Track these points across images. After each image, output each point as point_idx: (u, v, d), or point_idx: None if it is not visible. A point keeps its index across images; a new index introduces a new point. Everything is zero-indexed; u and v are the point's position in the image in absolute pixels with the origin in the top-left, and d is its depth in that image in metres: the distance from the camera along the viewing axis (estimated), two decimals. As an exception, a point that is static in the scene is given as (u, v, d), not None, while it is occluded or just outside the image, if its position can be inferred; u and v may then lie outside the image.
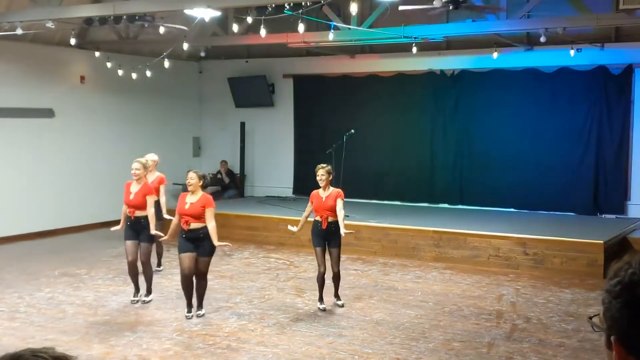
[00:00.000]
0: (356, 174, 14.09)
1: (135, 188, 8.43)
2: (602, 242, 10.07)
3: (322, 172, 8.21)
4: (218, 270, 10.55)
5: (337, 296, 8.52)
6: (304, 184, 15.43)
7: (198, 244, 7.73)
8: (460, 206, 13.90)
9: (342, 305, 8.44)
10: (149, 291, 8.63)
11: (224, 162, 16.24)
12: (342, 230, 8.07)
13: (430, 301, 8.74)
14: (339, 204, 8.11)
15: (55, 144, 13.39)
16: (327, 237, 8.18)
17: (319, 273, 8.27)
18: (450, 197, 14.08)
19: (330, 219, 8.10)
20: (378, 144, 14.50)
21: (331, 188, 8.24)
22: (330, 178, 8.26)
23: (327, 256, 8.25)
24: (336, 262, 8.26)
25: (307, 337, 7.29)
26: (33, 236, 12.90)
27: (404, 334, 7.36)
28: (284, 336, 7.33)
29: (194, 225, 7.69)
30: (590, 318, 1.44)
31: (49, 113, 13.34)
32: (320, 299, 8.36)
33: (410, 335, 7.32)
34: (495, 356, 6.71)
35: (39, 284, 9.55)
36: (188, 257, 7.74)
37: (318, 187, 8.28)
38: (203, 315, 7.97)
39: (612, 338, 1.37)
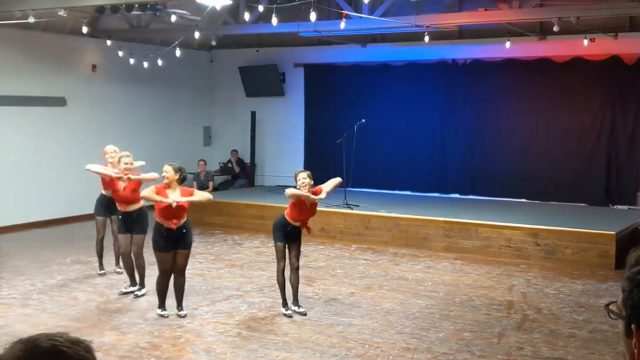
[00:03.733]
0: (367, 164, 14.10)
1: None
2: (613, 233, 10.02)
3: (303, 176, 7.59)
4: (229, 259, 10.59)
5: (297, 299, 7.80)
6: (314, 173, 15.39)
7: (179, 239, 7.40)
8: (471, 196, 13.87)
9: (305, 313, 7.66)
10: (141, 285, 8.46)
11: (234, 152, 16.26)
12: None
13: (441, 291, 8.73)
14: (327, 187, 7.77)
15: (67, 132, 13.45)
16: (291, 235, 7.67)
17: (279, 271, 7.72)
18: (461, 187, 14.05)
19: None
20: (389, 133, 14.48)
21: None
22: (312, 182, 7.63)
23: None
24: (298, 258, 7.71)
25: (317, 325, 7.30)
26: (45, 224, 13.00)
27: (414, 324, 7.36)
28: (294, 325, 7.35)
29: (177, 223, 7.33)
30: (607, 305, 1.43)
31: (61, 101, 13.38)
32: (284, 303, 7.75)
33: (421, 325, 7.32)
34: (506, 346, 6.70)
35: (51, 272, 9.61)
36: (168, 255, 7.42)
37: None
38: (185, 315, 7.52)
39: (632, 326, 1.35)
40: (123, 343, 6.73)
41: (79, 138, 13.54)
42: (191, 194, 7.48)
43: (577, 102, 12.89)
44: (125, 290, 8.58)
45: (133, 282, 8.59)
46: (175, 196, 7.28)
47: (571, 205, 12.75)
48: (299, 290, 7.86)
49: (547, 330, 7.20)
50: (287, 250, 7.65)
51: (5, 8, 10.51)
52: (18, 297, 8.34)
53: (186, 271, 7.69)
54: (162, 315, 7.56)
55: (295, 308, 7.69)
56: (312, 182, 7.65)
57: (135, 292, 8.44)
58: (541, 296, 8.54)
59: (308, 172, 7.71)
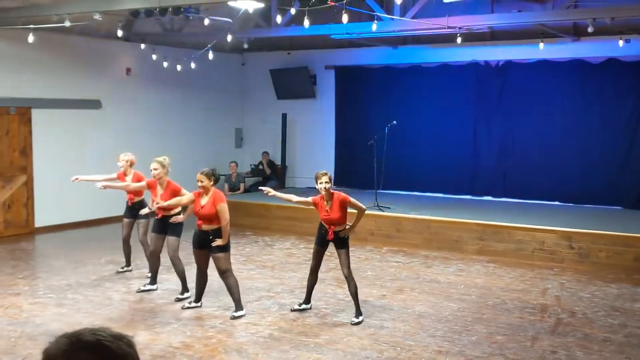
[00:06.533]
0: (398, 166, 14.06)
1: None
2: (650, 236, 9.87)
3: (326, 179, 7.43)
4: (260, 260, 10.65)
5: (357, 310, 7.54)
6: (345, 175, 15.46)
7: (205, 242, 7.52)
8: (503, 199, 13.76)
9: (356, 323, 7.40)
10: (184, 289, 8.37)
11: (265, 154, 16.34)
12: (345, 231, 7.46)
13: (474, 294, 8.68)
14: (355, 205, 7.44)
15: (102, 134, 13.64)
16: (327, 239, 7.61)
17: (310, 269, 7.83)
18: (493, 190, 13.94)
19: (337, 229, 7.48)
20: (420, 135, 14.42)
21: (333, 195, 7.47)
22: (331, 185, 7.54)
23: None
24: (346, 265, 7.46)
25: (348, 327, 7.30)
26: (80, 225, 13.21)
27: (447, 327, 7.33)
28: (326, 326, 7.36)
29: (205, 227, 7.49)
30: None
31: (96, 104, 13.59)
32: (304, 300, 7.91)
33: (453, 328, 7.28)
34: (539, 350, 6.63)
35: (86, 272, 9.76)
36: (198, 253, 7.68)
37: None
38: (237, 317, 7.56)
39: None
40: (156, 342, 6.81)
41: (114, 140, 13.70)
42: (213, 204, 7.46)
43: (612, 104, 12.72)
44: (143, 288, 8.69)
45: (153, 282, 8.74)
46: (203, 201, 7.52)
47: (605, 208, 12.57)
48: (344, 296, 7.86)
49: (582, 334, 7.11)
50: (338, 255, 7.62)
51: (42, 12, 10.70)
52: (53, 296, 8.48)
53: (222, 273, 7.69)
54: (187, 306, 7.96)
55: (352, 318, 7.50)
56: (331, 185, 7.57)
57: (177, 296, 8.36)
58: (575, 300, 8.44)
59: (328, 176, 7.54)
